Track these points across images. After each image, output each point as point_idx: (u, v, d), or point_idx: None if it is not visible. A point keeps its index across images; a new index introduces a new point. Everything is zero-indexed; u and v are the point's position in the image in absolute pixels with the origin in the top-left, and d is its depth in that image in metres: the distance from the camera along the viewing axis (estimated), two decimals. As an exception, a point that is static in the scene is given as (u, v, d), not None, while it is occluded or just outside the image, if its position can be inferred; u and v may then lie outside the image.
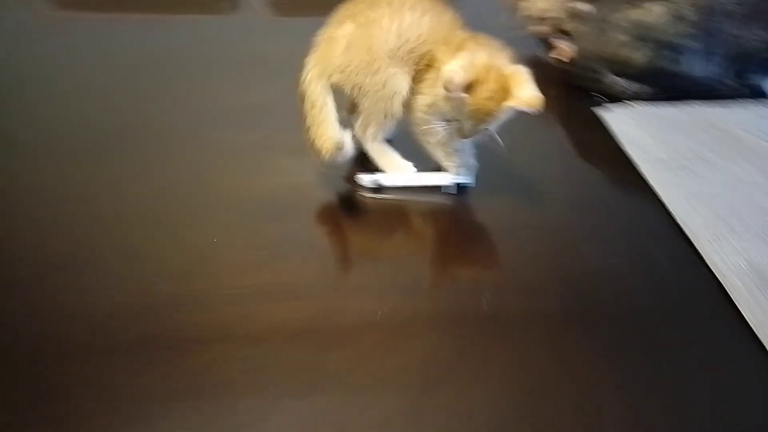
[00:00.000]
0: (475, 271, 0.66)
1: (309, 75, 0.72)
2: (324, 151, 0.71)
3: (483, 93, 0.66)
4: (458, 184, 0.75)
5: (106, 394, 0.51)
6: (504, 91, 0.66)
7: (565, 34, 1.01)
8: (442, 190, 0.75)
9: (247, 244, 0.67)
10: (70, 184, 0.74)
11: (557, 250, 0.68)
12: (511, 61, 0.69)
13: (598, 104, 0.91)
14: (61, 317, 0.57)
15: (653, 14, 0.89)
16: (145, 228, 0.68)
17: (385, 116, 0.73)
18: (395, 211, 0.73)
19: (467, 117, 0.68)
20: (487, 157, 0.77)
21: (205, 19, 1.22)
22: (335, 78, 0.71)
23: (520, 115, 0.67)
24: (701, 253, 0.65)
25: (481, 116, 0.67)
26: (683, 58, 0.89)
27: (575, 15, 0.97)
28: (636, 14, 0.89)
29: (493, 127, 0.69)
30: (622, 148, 0.82)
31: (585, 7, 0.96)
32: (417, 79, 0.72)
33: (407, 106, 0.73)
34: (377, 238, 0.71)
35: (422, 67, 0.71)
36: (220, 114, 0.87)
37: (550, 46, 1.03)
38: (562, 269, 0.66)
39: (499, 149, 0.71)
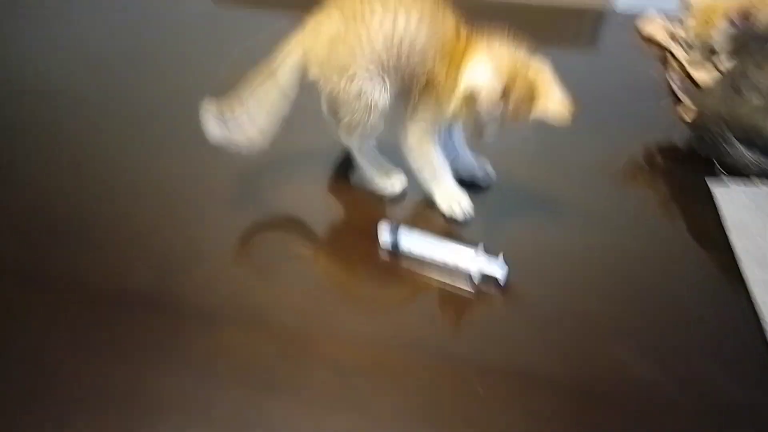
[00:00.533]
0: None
1: (286, 57, 0.67)
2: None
3: (512, 101, 0.62)
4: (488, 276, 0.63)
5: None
6: (531, 95, 0.62)
7: (695, 85, 0.89)
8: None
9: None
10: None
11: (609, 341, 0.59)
12: (530, 55, 0.63)
13: (716, 176, 0.78)
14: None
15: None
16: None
17: (362, 128, 0.68)
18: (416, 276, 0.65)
19: (496, 125, 0.64)
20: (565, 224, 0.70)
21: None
22: (313, 70, 0.66)
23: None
24: None
25: (507, 123, 0.63)
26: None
27: (707, 65, 0.85)
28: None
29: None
30: (727, 234, 0.69)
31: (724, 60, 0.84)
32: (411, 98, 0.67)
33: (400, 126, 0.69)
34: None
35: (417, 85, 0.65)
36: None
37: (677, 100, 0.91)
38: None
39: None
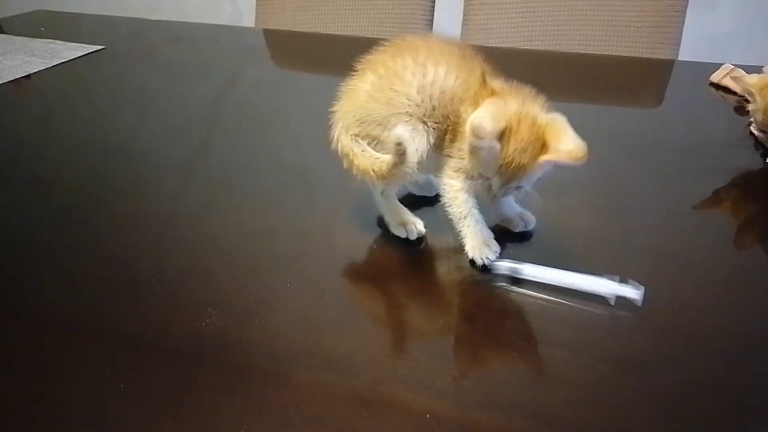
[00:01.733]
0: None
1: (336, 132, 0.70)
2: (378, 175, 0.67)
3: (515, 144, 0.60)
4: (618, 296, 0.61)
5: None
6: (539, 143, 0.60)
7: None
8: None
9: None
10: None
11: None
12: (547, 109, 0.62)
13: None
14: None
15: None
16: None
17: (397, 173, 0.66)
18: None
19: (497, 172, 0.62)
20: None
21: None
22: (354, 130, 0.68)
23: (561, 170, 0.60)
24: None
25: (513, 171, 0.61)
26: None
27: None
28: None
29: (527, 185, 0.63)
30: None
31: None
32: (443, 141, 0.67)
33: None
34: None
35: (448, 128, 0.66)
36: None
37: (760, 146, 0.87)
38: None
39: (536, 203, 0.65)
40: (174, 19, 1.70)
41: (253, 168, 0.91)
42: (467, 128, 0.59)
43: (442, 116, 0.66)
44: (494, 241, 0.67)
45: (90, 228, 0.78)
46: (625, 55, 1.39)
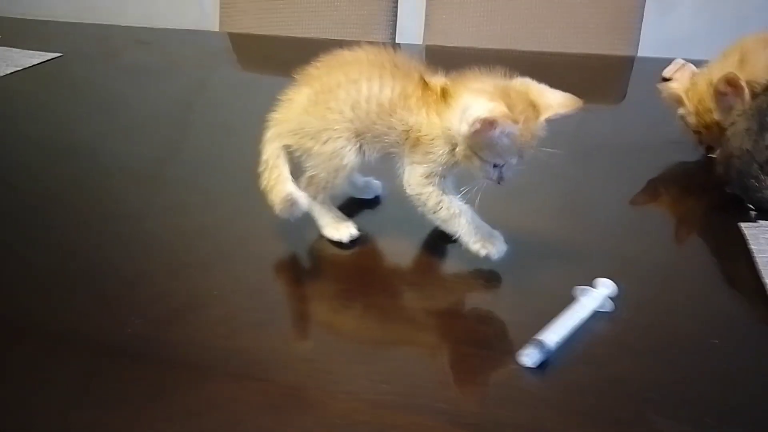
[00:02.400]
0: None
1: (266, 137, 0.71)
2: (276, 206, 0.68)
3: (521, 117, 0.59)
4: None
5: None
6: (533, 107, 0.60)
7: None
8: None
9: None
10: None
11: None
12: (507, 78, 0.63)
13: (747, 215, 0.73)
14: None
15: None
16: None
17: (326, 185, 0.70)
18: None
19: (517, 153, 0.61)
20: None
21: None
22: (287, 140, 0.69)
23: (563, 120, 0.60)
24: None
25: (530, 143, 0.61)
26: None
27: (730, 107, 0.81)
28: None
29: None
30: (761, 277, 0.64)
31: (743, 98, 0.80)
32: (400, 150, 0.67)
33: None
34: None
35: (405, 139, 0.66)
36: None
37: (709, 147, 0.88)
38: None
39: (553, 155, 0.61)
40: (140, 25, 1.70)
41: (216, 169, 0.91)
42: (469, 129, 0.58)
43: (388, 128, 0.66)
44: (495, 231, 0.67)
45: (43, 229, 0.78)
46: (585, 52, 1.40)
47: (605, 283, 0.61)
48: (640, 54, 1.39)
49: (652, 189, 0.84)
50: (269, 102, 0.70)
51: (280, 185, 0.69)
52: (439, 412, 0.51)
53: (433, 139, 0.65)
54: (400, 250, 0.73)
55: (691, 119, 0.86)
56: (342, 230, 0.72)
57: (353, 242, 0.71)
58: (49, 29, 1.66)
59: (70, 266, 0.70)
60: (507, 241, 0.67)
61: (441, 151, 0.64)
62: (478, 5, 1.51)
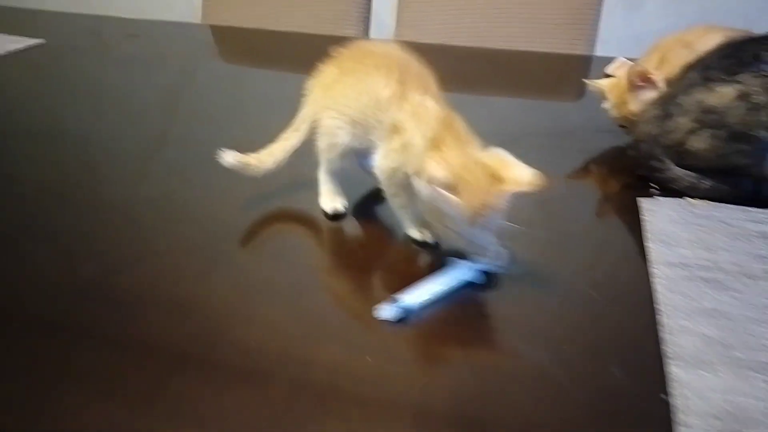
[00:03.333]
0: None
1: (305, 108, 0.80)
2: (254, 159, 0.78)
3: (472, 193, 0.61)
4: (487, 273, 0.67)
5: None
6: (494, 179, 0.62)
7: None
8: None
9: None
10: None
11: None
12: (481, 146, 0.66)
13: (650, 194, 0.81)
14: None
15: (722, 97, 0.77)
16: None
17: (325, 157, 0.78)
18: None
19: (464, 221, 0.62)
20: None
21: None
22: (311, 108, 0.78)
23: (523, 197, 0.62)
24: (673, 379, 0.54)
25: (478, 214, 0.62)
26: (757, 154, 0.77)
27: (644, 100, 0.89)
28: (705, 97, 0.78)
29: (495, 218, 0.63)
30: (645, 245, 0.71)
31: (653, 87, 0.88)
32: (381, 141, 0.71)
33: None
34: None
35: (384, 128, 0.70)
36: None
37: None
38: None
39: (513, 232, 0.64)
40: (128, 16, 1.77)
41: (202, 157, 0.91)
42: (427, 190, 0.63)
43: (377, 122, 0.71)
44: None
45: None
46: (546, 51, 1.47)
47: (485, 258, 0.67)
48: (606, 51, 1.46)
49: (581, 170, 0.92)
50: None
51: (278, 144, 0.79)
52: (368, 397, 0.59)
53: (408, 144, 0.68)
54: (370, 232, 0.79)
55: (613, 111, 0.95)
56: (328, 203, 0.79)
57: (337, 217, 0.78)
58: (35, 17, 1.74)
59: (55, 254, 0.75)
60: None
61: (407, 159, 0.68)
62: (449, 1, 1.58)
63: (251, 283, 0.69)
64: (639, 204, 0.79)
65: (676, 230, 0.73)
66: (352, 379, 0.56)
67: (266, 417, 0.52)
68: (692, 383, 0.53)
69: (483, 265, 0.67)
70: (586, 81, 1.00)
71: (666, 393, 0.53)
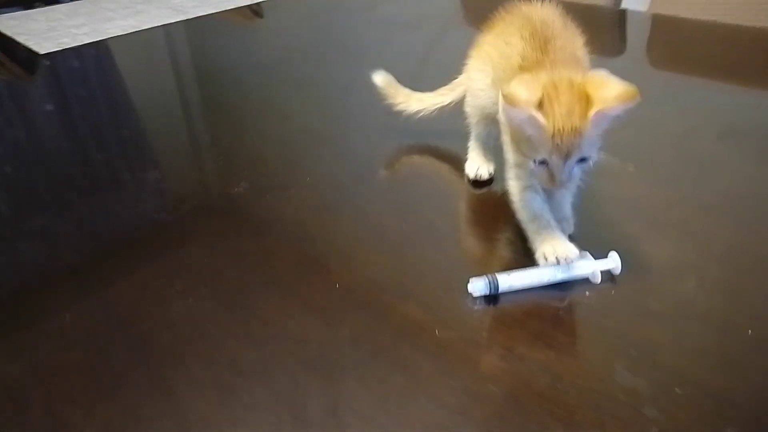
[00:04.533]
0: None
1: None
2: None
3: (559, 108, 0.52)
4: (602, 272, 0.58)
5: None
6: (584, 101, 0.53)
7: None
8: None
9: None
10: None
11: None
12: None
13: None
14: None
15: None
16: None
17: (473, 122, 0.76)
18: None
19: (552, 149, 0.54)
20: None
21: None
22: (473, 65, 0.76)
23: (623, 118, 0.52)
24: None
25: (569, 140, 0.53)
26: None
27: None
28: None
29: (591, 153, 0.55)
30: None
31: None
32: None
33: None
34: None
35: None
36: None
37: None
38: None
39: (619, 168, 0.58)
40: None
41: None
42: (500, 106, 0.56)
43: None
44: (570, 244, 0.59)
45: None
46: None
47: (611, 256, 0.59)
48: None
49: None
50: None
51: (430, 95, 0.82)
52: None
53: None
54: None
55: None
56: (472, 168, 0.76)
57: (481, 183, 0.76)
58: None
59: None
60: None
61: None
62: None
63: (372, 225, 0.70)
64: None
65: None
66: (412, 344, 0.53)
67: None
68: None
69: (604, 264, 0.58)
70: None
71: None
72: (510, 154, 0.64)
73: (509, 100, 0.52)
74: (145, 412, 0.48)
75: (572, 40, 0.63)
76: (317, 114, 0.97)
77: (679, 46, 1.17)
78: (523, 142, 0.57)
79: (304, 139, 0.90)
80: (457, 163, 0.79)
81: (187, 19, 1.45)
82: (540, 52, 0.60)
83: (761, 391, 0.47)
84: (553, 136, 0.53)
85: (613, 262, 0.58)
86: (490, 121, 0.72)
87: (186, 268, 0.63)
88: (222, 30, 1.45)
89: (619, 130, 0.55)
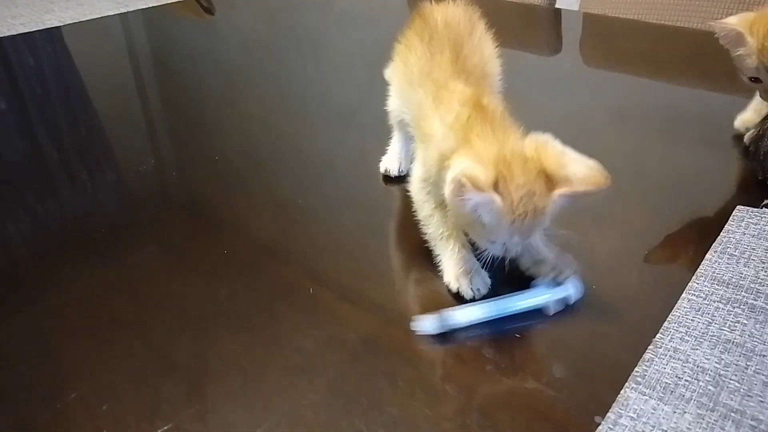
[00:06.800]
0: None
1: None
2: None
3: (517, 191, 0.47)
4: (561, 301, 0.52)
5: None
6: (543, 179, 0.48)
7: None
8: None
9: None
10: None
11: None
12: (522, 133, 0.52)
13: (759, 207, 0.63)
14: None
15: None
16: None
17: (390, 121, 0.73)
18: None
19: (510, 232, 0.49)
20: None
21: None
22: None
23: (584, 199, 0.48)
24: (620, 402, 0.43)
25: (529, 223, 0.48)
26: None
27: None
28: None
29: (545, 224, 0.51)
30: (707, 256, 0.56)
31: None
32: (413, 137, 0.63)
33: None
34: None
35: (416, 122, 0.61)
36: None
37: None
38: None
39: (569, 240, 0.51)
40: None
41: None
42: (449, 191, 0.48)
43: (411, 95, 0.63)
44: (482, 271, 0.55)
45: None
46: None
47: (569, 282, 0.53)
48: None
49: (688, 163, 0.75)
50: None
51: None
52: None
53: (430, 137, 0.56)
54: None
55: (753, 60, 0.68)
56: (384, 163, 0.73)
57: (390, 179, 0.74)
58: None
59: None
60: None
61: (432, 160, 0.55)
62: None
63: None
64: (734, 214, 0.62)
65: (752, 245, 0.57)
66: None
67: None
68: (642, 412, 0.42)
69: (561, 291, 0.52)
70: (712, 23, 0.69)
71: (601, 416, 0.42)
72: (420, 169, 0.59)
73: (461, 185, 0.46)
74: (22, 362, 0.50)
75: (478, 47, 0.60)
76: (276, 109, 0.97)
77: (610, 44, 1.22)
78: (474, 226, 0.51)
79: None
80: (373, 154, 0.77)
81: (134, 11, 1.44)
82: (439, 56, 0.58)
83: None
84: (513, 221, 0.48)
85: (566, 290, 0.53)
86: (404, 125, 0.68)
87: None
88: (172, 24, 1.46)
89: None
